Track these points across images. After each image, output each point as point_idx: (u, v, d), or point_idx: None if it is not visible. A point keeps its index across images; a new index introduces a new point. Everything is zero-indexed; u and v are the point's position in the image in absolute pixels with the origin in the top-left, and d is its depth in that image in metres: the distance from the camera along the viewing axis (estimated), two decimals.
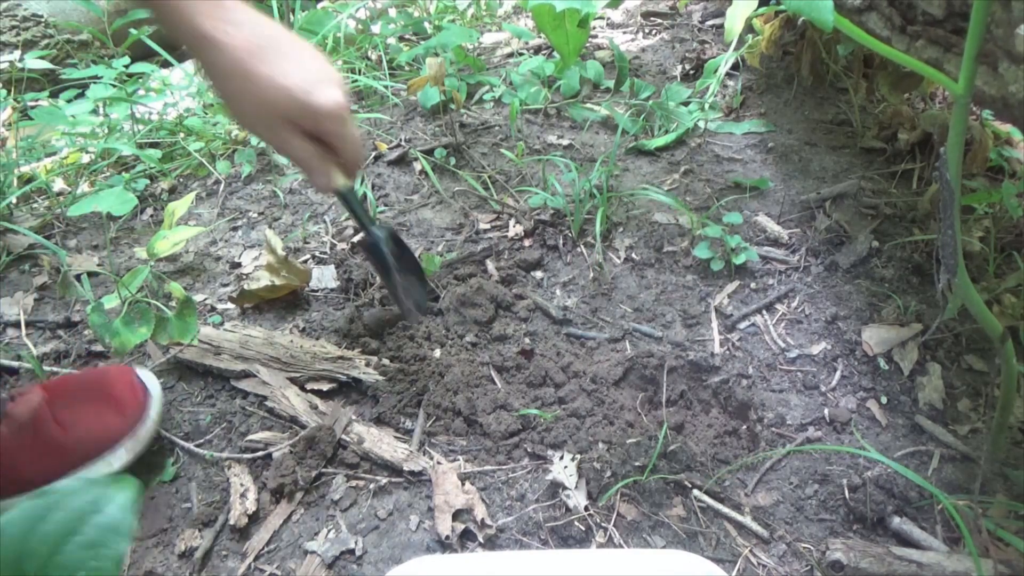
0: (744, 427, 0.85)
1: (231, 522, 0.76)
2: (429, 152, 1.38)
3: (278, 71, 0.67)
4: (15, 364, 0.98)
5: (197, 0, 0.65)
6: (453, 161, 1.37)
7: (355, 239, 0.78)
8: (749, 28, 1.53)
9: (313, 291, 1.10)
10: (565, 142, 1.43)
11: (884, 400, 0.89)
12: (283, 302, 1.07)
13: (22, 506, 0.42)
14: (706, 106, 1.49)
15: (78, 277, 1.06)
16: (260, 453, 0.84)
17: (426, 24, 1.98)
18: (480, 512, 0.74)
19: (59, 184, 1.39)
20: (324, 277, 1.12)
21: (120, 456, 0.80)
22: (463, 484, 0.77)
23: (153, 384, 0.86)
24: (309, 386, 0.91)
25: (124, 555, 0.44)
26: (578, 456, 0.79)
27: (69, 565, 0.40)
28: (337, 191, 0.76)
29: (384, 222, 0.84)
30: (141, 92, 1.49)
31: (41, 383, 0.84)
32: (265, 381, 0.91)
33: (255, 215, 1.29)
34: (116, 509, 0.43)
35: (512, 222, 1.22)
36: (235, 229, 1.26)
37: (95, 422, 0.80)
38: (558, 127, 1.50)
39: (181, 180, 1.41)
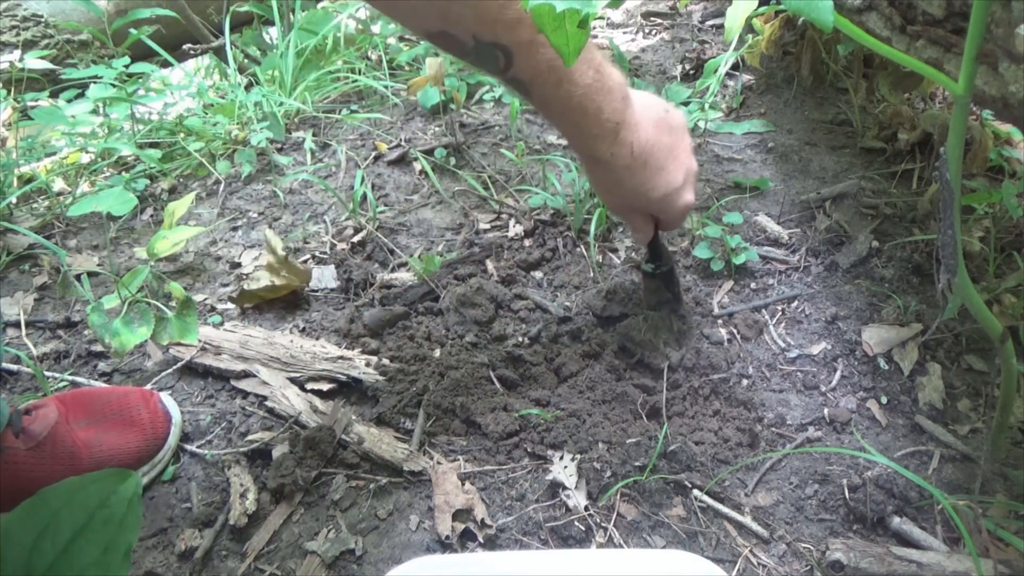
0: (745, 427, 0.85)
1: (231, 522, 0.76)
2: (429, 152, 1.38)
3: (650, 186, 0.79)
4: (14, 368, 0.97)
5: (594, 122, 0.73)
6: (453, 161, 1.37)
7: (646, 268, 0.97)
8: (749, 28, 1.53)
9: (313, 291, 1.10)
10: (565, 142, 1.43)
11: (884, 400, 0.89)
12: (283, 302, 1.07)
13: (30, 507, 0.41)
14: (706, 106, 1.49)
15: (78, 277, 1.06)
16: (260, 453, 0.84)
17: None
18: (480, 512, 0.74)
19: (59, 184, 1.39)
20: (324, 277, 1.12)
21: None
22: (463, 484, 0.77)
23: (175, 411, 0.86)
24: (309, 386, 0.91)
25: (132, 549, 0.44)
26: (578, 456, 0.79)
27: (78, 562, 0.40)
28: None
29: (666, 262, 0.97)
30: (141, 92, 1.49)
31: (56, 395, 0.83)
32: (265, 381, 0.91)
33: (255, 215, 1.29)
34: (122, 504, 0.43)
35: (512, 222, 1.22)
36: (235, 229, 1.27)
37: (118, 445, 0.79)
38: None
39: (181, 180, 1.41)
